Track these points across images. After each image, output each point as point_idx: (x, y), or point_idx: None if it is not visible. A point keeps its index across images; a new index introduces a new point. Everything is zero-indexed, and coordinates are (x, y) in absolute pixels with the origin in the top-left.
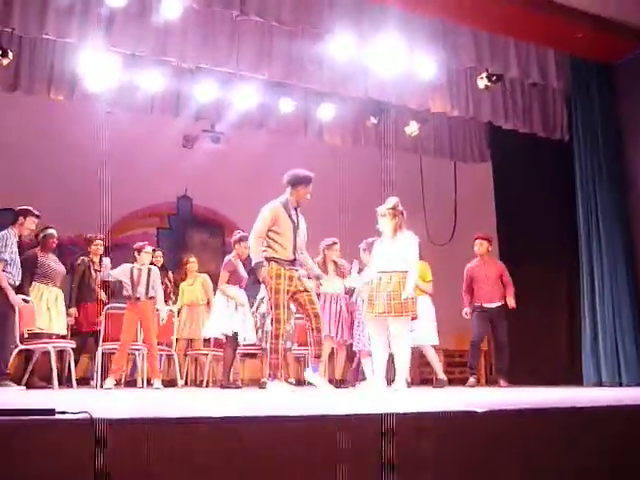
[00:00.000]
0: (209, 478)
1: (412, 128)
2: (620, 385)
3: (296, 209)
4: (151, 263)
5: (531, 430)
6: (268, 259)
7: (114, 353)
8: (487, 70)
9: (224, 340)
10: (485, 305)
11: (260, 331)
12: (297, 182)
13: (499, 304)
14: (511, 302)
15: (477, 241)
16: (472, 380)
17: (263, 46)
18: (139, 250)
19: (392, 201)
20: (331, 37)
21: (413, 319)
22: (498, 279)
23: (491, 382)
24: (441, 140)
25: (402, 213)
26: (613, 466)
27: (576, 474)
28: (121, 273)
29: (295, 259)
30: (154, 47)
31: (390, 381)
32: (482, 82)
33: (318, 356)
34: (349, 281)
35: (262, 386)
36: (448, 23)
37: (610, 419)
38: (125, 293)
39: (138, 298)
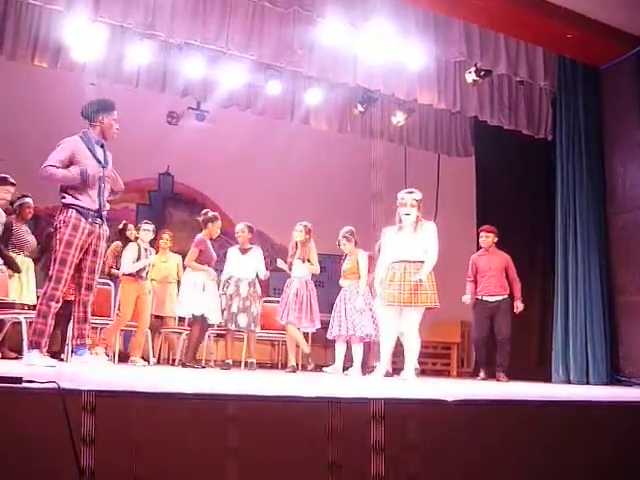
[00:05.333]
0: (187, 453)
1: (398, 118)
2: (587, 384)
3: (103, 146)
4: (135, 239)
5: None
6: (67, 205)
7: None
8: (476, 65)
9: (191, 319)
10: (486, 298)
11: (226, 312)
12: (103, 110)
13: (502, 297)
14: (518, 306)
15: (482, 233)
16: (481, 374)
17: (254, 26)
18: (138, 228)
19: (419, 194)
20: (322, 22)
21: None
22: (503, 271)
23: (491, 377)
24: (426, 132)
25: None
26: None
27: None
28: (132, 252)
29: (101, 209)
30: (143, 20)
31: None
32: (470, 76)
33: (85, 336)
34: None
35: (224, 367)
36: (440, 15)
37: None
38: (130, 271)
39: (141, 277)
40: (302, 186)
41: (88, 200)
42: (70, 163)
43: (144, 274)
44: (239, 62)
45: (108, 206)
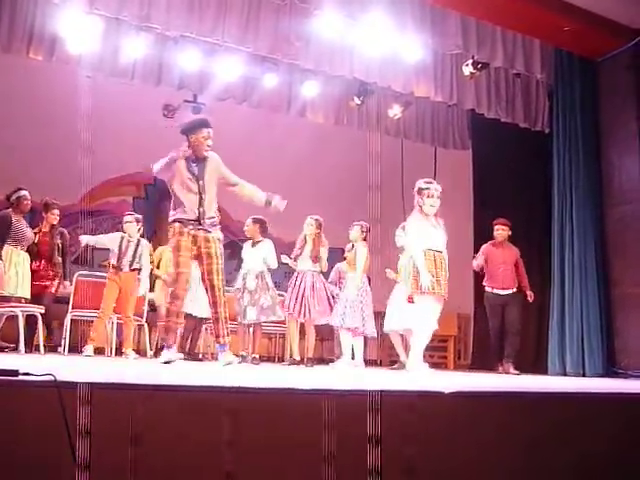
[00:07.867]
0: (183, 445)
1: (395, 111)
2: (583, 376)
3: (204, 160)
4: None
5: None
6: (172, 221)
7: (85, 320)
8: (473, 57)
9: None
10: (497, 291)
11: (236, 305)
12: (190, 130)
13: (511, 291)
14: (531, 294)
15: (499, 227)
16: (513, 370)
17: (250, 19)
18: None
19: (439, 185)
20: (319, 14)
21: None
22: (513, 265)
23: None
24: (423, 125)
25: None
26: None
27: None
28: (111, 241)
29: (201, 218)
30: (138, 12)
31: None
32: (467, 69)
33: (217, 335)
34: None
35: (253, 361)
36: (437, 7)
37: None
38: (112, 262)
39: (121, 269)
40: (299, 179)
41: (185, 212)
42: (172, 168)
43: (123, 266)
44: (235, 55)
45: (213, 214)
